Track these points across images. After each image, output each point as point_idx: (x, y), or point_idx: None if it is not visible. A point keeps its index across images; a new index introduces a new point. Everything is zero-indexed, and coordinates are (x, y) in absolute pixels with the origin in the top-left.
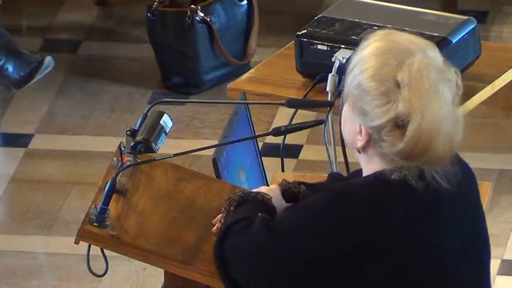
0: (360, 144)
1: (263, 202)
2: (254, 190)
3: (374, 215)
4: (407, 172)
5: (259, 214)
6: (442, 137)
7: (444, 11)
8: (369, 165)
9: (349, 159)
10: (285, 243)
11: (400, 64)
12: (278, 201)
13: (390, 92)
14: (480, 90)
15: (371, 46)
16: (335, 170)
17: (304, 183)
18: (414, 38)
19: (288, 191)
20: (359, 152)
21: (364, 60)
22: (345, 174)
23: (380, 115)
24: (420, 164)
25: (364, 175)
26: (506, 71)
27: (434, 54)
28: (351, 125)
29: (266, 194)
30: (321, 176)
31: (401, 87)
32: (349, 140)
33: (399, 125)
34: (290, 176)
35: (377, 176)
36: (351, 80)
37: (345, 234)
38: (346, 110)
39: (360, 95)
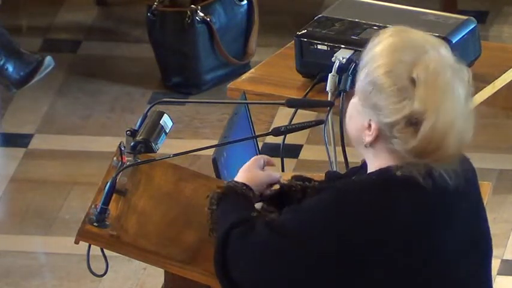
0: (368, 139)
1: (243, 194)
2: (230, 183)
3: (378, 214)
4: (414, 169)
5: (253, 214)
6: (455, 135)
7: (444, 11)
8: (376, 161)
9: (349, 159)
10: (289, 245)
11: (415, 61)
12: (258, 179)
13: (406, 90)
14: (480, 90)
15: (384, 42)
16: (335, 170)
17: (311, 180)
18: (427, 35)
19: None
20: (366, 147)
21: (378, 57)
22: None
23: (394, 112)
24: (429, 162)
25: (369, 171)
26: (506, 71)
27: (447, 52)
28: (359, 120)
29: (244, 184)
30: (320, 176)
31: (417, 85)
32: (355, 135)
33: (413, 122)
34: (290, 176)
35: (381, 173)
36: (364, 77)
37: (350, 233)
38: (355, 105)
39: (374, 92)
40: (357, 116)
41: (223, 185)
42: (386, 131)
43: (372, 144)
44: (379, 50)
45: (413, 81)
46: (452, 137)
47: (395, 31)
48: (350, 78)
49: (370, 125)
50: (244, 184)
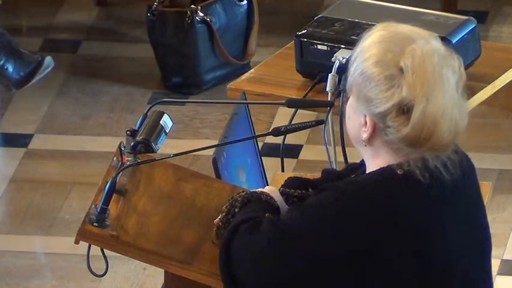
0: (365, 136)
1: (267, 202)
2: (257, 190)
3: (379, 214)
4: (413, 165)
5: (267, 214)
6: (447, 122)
7: (444, 11)
8: (375, 160)
9: (349, 159)
10: (292, 244)
11: (403, 50)
12: (280, 201)
13: (394, 77)
14: (480, 90)
15: (373, 36)
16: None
17: (307, 181)
18: (416, 28)
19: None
20: (365, 145)
21: (366, 49)
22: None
23: (384, 100)
24: (425, 154)
25: (368, 170)
26: (506, 71)
27: (436, 42)
28: (356, 118)
29: (269, 194)
30: (318, 176)
31: (405, 72)
32: (354, 134)
33: (404, 110)
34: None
35: (382, 172)
36: (354, 69)
37: (350, 233)
38: (351, 102)
39: (364, 83)
40: (353, 114)
41: (248, 191)
42: (380, 123)
43: (370, 141)
44: (367, 43)
45: (401, 70)
46: (444, 123)
47: (384, 26)
48: None
49: (366, 122)
50: (269, 195)
